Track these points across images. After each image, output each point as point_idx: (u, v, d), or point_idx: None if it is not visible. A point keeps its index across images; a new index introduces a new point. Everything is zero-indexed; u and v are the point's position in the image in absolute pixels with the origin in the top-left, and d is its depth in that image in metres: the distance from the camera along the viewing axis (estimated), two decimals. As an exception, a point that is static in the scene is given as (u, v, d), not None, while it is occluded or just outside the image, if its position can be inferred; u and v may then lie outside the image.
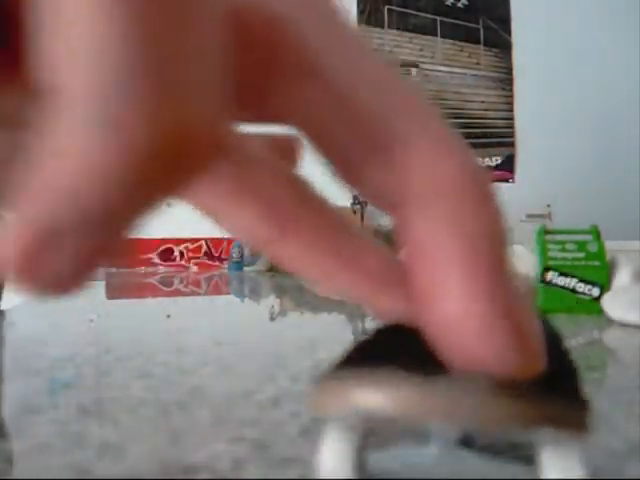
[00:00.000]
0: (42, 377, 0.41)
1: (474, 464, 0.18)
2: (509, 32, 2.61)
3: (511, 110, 2.60)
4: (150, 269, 1.90)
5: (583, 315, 0.65)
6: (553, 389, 0.15)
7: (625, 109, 2.57)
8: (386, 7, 2.50)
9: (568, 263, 0.68)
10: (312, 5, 0.12)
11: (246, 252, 1.78)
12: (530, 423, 0.14)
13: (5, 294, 0.72)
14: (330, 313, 0.75)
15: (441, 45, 2.56)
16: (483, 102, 2.58)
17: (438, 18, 2.56)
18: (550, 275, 0.68)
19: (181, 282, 1.45)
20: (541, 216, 2.45)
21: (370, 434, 0.16)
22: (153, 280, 1.54)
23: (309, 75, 0.12)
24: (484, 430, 0.16)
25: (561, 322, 0.64)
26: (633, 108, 2.56)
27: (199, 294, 1.24)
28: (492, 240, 0.12)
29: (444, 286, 0.12)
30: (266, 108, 0.13)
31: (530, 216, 2.45)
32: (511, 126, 2.59)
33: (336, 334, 0.61)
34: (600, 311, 0.62)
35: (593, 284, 0.67)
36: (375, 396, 0.14)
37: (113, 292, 1.07)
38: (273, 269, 1.62)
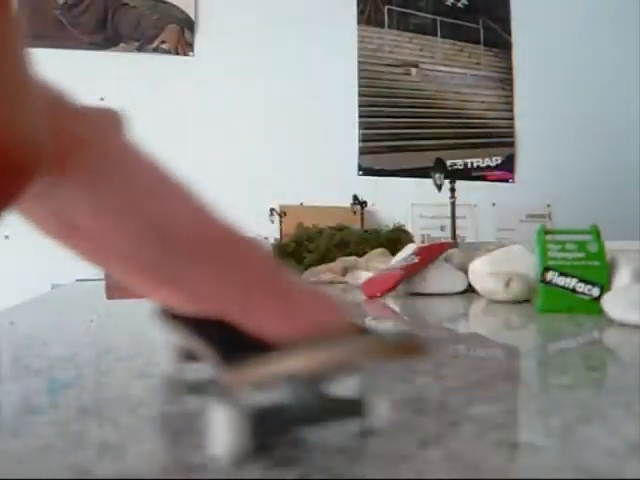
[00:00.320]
0: (42, 377, 0.41)
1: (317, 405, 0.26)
2: (509, 32, 2.61)
3: (511, 110, 2.60)
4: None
5: (583, 315, 0.65)
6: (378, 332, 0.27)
7: (625, 109, 2.57)
8: (386, 7, 2.50)
9: (568, 263, 0.68)
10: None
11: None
12: (390, 350, 0.24)
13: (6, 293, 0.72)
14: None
15: (441, 45, 2.56)
16: (483, 102, 2.58)
17: (438, 18, 2.56)
18: (550, 275, 0.68)
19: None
20: (541, 216, 2.45)
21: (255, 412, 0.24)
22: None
23: None
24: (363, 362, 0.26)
25: (561, 322, 0.64)
26: (633, 108, 2.56)
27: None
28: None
29: None
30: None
31: (530, 216, 2.45)
32: (511, 126, 2.59)
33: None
34: (600, 311, 0.61)
35: (593, 284, 0.67)
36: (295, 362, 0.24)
37: (113, 292, 1.07)
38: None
